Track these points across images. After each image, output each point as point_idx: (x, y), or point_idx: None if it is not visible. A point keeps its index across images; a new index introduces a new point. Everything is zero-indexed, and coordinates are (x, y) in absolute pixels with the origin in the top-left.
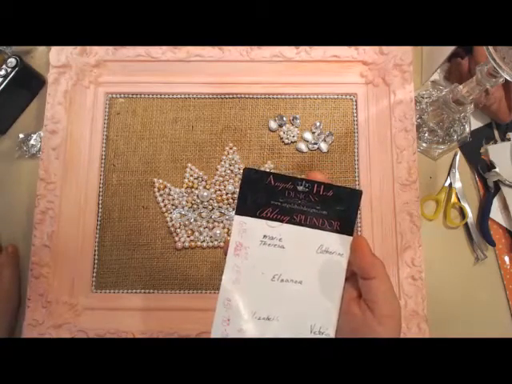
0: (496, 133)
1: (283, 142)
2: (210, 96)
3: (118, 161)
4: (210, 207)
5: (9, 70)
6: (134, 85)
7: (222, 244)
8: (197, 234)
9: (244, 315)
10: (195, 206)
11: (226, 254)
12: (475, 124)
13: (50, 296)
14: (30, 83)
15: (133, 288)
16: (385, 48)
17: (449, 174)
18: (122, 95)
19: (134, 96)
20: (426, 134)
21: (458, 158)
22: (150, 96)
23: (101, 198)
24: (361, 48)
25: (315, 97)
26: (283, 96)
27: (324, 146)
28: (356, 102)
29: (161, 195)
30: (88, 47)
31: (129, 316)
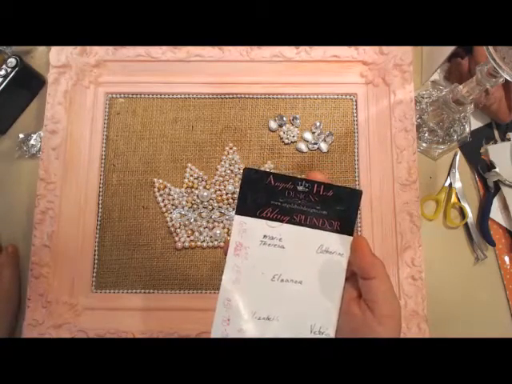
0: (496, 133)
1: (283, 142)
2: (210, 96)
3: (117, 161)
4: (210, 207)
5: (9, 69)
6: (134, 85)
7: (222, 244)
8: (197, 233)
9: (244, 315)
10: (195, 206)
11: (226, 254)
12: (475, 124)
13: (50, 296)
14: (30, 83)
15: (133, 288)
16: (385, 48)
17: (449, 174)
18: (122, 95)
19: (134, 96)
20: (426, 134)
21: (457, 157)
22: (150, 96)
23: (101, 197)
24: (361, 48)
25: (315, 97)
26: (283, 96)
27: (324, 146)
28: (356, 102)
29: (161, 195)
30: (88, 47)
31: (129, 316)
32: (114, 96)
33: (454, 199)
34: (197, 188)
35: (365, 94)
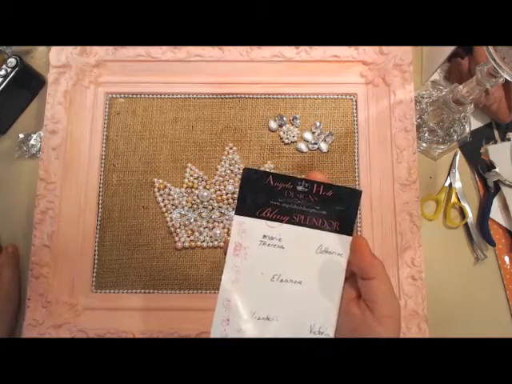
0: (496, 133)
1: (283, 141)
2: (210, 96)
3: (118, 161)
4: (210, 207)
5: (9, 69)
6: (134, 85)
7: (221, 244)
8: (197, 233)
9: (243, 315)
10: (195, 206)
11: (225, 254)
12: (475, 124)
13: (50, 296)
14: (30, 83)
15: (133, 288)
16: (385, 48)
17: (449, 174)
18: (122, 95)
19: (134, 96)
20: (426, 134)
21: (457, 158)
22: (150, 96)
23: (101, 197)
24: (361, 48)
25: (315, 97)
26: (283, 96)
27: (324, 146)
28: (356, 102)
29: (161, 195)
30: (88, 47)
31: (129, 316)
32: (114, 96)
33: (453, 199)
34: (197, 188)
35: (365, 94)
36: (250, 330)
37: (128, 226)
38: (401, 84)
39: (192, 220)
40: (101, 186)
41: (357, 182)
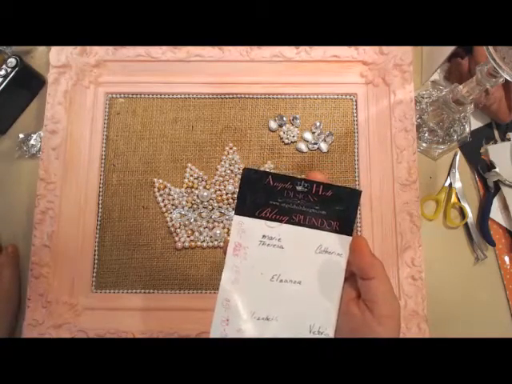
0: (496, 133)
1: (283, 141)
2: (210, 96)
3: (118, 161)
4: (210, 207)
5: (9, 69)
6: (134, 85)
7: (221, 244)
8: (197, 233)
9: (243, 315)
10: (195, 206)
11: (225, 254)
12: (475, 124)
13: (50, 296)
14: (30, 83)
15: (133, 288)
16: (385, 48)
17: (449, 174)
18: (122, 95)
19: (134, 96)
20: (426, 134)
21: (457, 157)
22: (150, 96)
23: (101, 197)
24: (361, 48)
25: (315, 97)
26: (283, 96)
27: (324, 146)
28: (356, 102)
29: (161, 195)
30: (88, 47)
31: (129, 316)
32: (114, 96)
33: (454, 199)
34: (197, 188)
35: (365, 94)
36: (249, 330)
37: (128, 226)
38: (401, 84)
39: (192, 220)
40: (101, 186)
41: (357, 182)
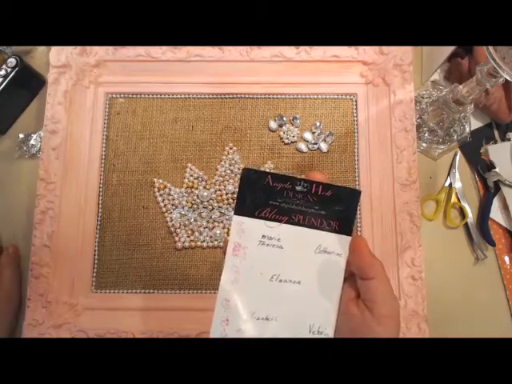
0: (496, 133)
1: (283, 141)
2: (210, 96)
3: (117, 161)
4: (210, 207)
5: (9, 69)
6: (134, 85)
7: (221, 244)
8: (197, 233)
9: (243, 315)
10: (195, 206)
11: (225, 254)
12: (475, 124)
13: (50, 296)
14: (30, 83)
15: (133, 288)
16: (385, 48)
17: (449, 174)
18: (122, 95)
19: (134, 96)
20: (426, 134)
21: (457, 158)
22: (150, 96)
23: (101, 197)
24: (361, 48)
25: (315, 97)
26: (283, 96)
27: (324, 146)
28: (356, 102)
29: (161, 195)
30: (88, 47)
31: (129, 316)
32: (114, 96)
33: (453, 199)
34: (197, 188)
35: (365, 94)
36: (249, 330)
37: (128, 226)
38: (401, 84)
39: (192, 220)
40: (101, 186)
41: (357, 182)
